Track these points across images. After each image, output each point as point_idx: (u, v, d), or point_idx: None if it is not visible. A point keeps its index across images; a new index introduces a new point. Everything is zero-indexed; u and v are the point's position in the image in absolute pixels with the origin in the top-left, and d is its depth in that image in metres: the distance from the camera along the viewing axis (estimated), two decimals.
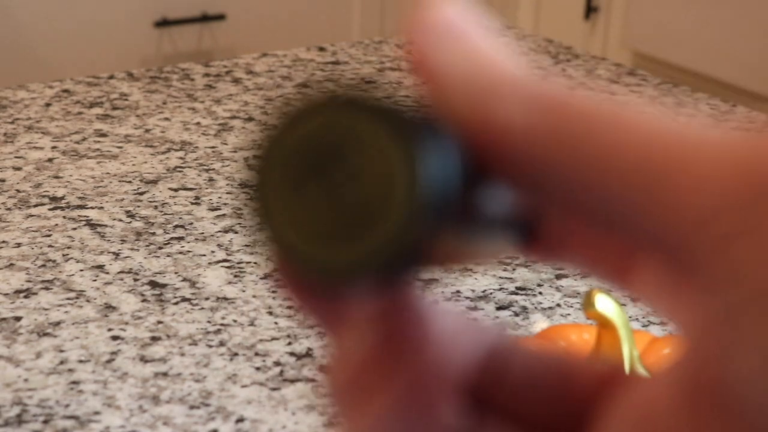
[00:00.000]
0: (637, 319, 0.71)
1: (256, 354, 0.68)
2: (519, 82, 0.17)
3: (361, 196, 0.17)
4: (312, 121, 0.18)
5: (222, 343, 0.68)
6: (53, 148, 0.97)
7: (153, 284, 0.75)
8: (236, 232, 0.82)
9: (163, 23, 2.07)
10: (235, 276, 0.76)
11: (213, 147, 0.99)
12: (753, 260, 0.13)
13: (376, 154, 0.17)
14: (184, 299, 0.73)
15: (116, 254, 0.79)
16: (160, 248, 0.80)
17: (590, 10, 2.01)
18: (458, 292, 0.74)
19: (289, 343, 0.69)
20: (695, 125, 0.16)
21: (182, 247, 0.80)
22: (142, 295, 0.74)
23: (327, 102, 0.18)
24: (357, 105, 0.17)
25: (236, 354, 0.67)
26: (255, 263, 0.78)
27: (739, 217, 0.14)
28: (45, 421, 0.61)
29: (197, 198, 0.87)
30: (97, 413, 0.61)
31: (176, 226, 0.83)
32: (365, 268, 0.17)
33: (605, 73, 1.22)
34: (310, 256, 0.17)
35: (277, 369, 0.66)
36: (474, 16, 0.18)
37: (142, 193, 0.89)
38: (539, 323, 0.71)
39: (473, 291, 0.74)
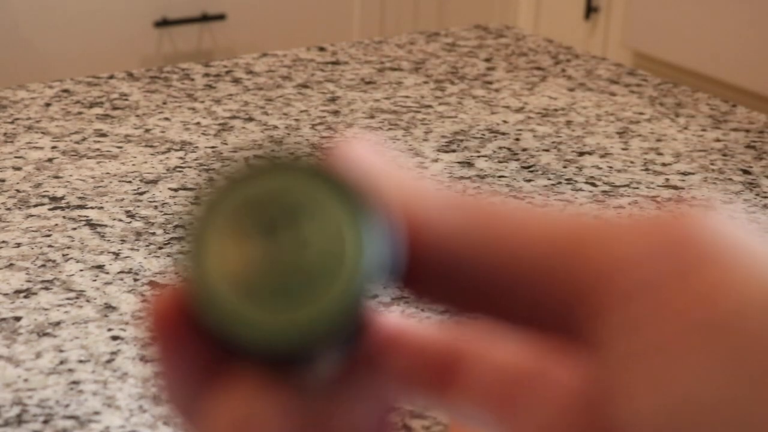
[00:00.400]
0: None
1: None
2: (436, 189, 0.18)
3: (306, 261, 0.17)
4: (266, 180, 0.17)
5: None
6: (53, 148, 0.97)
7: (153, 284, 0.75)
8: None
9: (163, 23, 2.07)
10: None
11: (213, 147, 0.99)
12: (649, 314, 0.15)
13: (327, 222, 0.17)
14: None
15: (116, 254, 0.79)
16: (160, 248, 0.80)
17: (590, 10, 2.01)
18: None
19: None
20: (594, 214, 0.17)
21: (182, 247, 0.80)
22: (143, 295, 0.74)
23: (286, 164, 0.17)
24: (315, 172, 0.17)
25: None
26: None
27: (639, 274, 0.15)
28: (45, 421, 0.61)
29: None
30: (97, 413, 0.61)
31: (176, 226, 0.83)
32: (300, 336, 0.16)
33: (605, 73, 1.22)
34: (239, 312, 0.17)
35: None
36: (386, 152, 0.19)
37: (142, 193, 0.89)
38: None
39: None
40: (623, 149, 1.00)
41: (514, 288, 0.17)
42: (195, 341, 0.18)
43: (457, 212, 0.18)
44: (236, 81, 1.16)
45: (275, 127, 1.03)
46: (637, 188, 0.91)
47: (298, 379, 0.17)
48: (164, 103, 1.09)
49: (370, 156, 0.19)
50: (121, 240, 0.81)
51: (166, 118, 1.05)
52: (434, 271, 0.18)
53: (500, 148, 0.99)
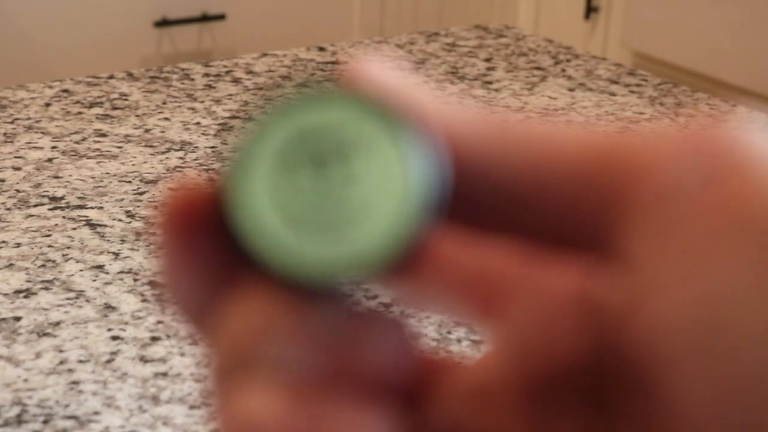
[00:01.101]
0: None
1: None
2: (470, 114, 0.18)
3: (355, 196, 0.17)
4: (315, 112, 0.17)
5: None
6: (53, 148, 0.97)
7: (153, 284, 0.75)
8: None
9: (163, 23, 2.07)
10: None
11: (213, 147, 0.99)
12: (680, 215, 0.15)
13: (378, 157, 0.17)
14: None
15: (116, 254, 0.79)
16: (160, 248, 0.80)
17: (590, 10, 2.01)
18: None
19: None
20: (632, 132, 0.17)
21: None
22: (142, 295, 0.74)
23: (336, 95, 0.17)
24: (363, 103, 0.17)
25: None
26: None
27: (671, 177, 0.16)
28: (45, 421, 0.61)
29: None
30: (96, 413, 0.61)
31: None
32: (350, 267, 0.16)
33: (605, 73, 1.22)
34: (289, 243, 0.16)
35: None
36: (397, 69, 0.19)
37: (142, 193, 0.89)
38: None
39: None
40: None
41: (542, 202, 0.17)
42: (215, 242, 0.18)
43: (495, 136, 0.17)
44: (236, 81, 1.16)
45: None
46: None
47: (326, 306, 0.17)
48: (164, 103, 1.09)
49: (397, 81, 0.18)
50: (121, 240, 0.81)
51: (166, 118, 1.05)
52: (472, 198, 0.18)
53: None
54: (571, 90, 1.17)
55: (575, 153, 0.17)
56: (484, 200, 0.17)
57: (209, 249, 0.18)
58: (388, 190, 0.16)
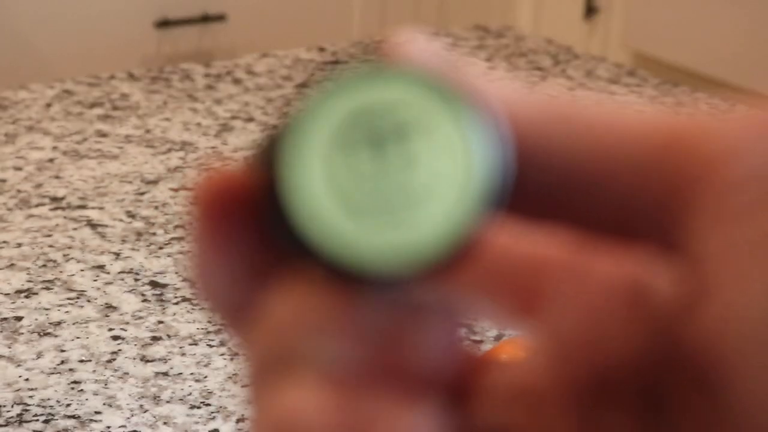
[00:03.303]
0: None
1: None
2: (530, 95, 0.17)
3: (417, 176, 0.16)
4: (372, 90, 0.16)
5: (223, 343, 0.69)
6: (54, 148, 0.98)
7: (153, 284, 0.75)
8: None
9: (164, 23, 2.07)
10: None
11: (213, 147, 0.99)
12: (755, 204, 0.14)
13: (439, 133, 0.16)
14: (185, 299, 0.73)
15: (117, 254, 0.79)
16: (161, 248, 0.80)
17: (590, 10, 2.01)
18: None
19: None
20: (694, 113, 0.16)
21: (183, 247, 0.80)
22: (143, 295, 0.74)
23: (394, 73, 0.16)
24: (423, 80, 0.16)
25: (237, 354, 0.68)
26: None
27: (744, 163, 0.15)
28: (46, 421, 0.61)
29: None
30: (98, 413, 0.61)
31: (177, 226, 0.83)
32: (409, 256, 0.15)
33: (605, 73, 1.22)
34: (346, 230, 0.15)
35: None
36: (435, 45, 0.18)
37: (142, 193, 0.89)
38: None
39: None
40: None
41: (605, 189, 0.16)
42: (254, 231, 0.17)
43: (557, 118, 0.16)
44: (237, 81, 1.16)
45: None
46: None
47: (375, 298, 0.16)
48: (165, 104, 1.09)
49: (451, 59, 0.18)
50: (122, 240, 0.81)
51: (167, 119, 1.05)
52: (531, 183, 0.16)
53: None
54: (571, 90, 1.17)
55: (641, 137, 0.16)
56: (543, 185, 0.16)
57: (247, 238, 0.17)
58: (450, 173, 0.15)
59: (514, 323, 0.20)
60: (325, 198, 0.15)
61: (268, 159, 0.16)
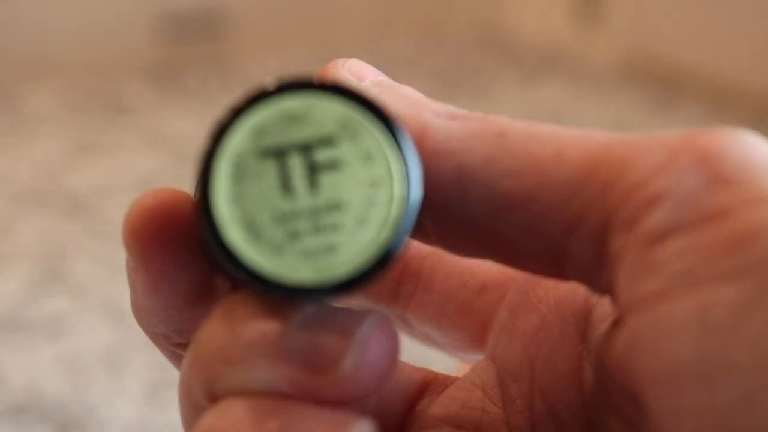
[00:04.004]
0: None
1: None
2: (447, 114, 0.17)
3: (346, 194, 0.16)
4: (297, 101, 0.16)
5: None
6: (58, 147, 0.98)
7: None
8: None
9: (168, 22, 2.08)
10: None
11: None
12: (669, 225, 0.15)
13: (361, 155, 0.16)
14: None
15: (122, 252, 0.80)
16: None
17: (587, 9, 2.02)
18: None
19: None
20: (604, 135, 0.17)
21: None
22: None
23: (317, 85, 0.16)
24: (346, 96, 0.16)
25: None
26: None
27: (661, 183, 0.15)
28: (50, 416, 0.61)
29: None
30: (102, 408, 0.62)
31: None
32: (329, 283, 0.15)
33: (603, 72, 1.23)
34: (258, 258, 0.15)
35: None
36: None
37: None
38: None
39: None
40: None
41: (529, 209, 0.16)
42: (190, 255, 0.17)
43: (475, 140, 0.17)
44: (241, 80, 1.17)
45: None
46: None
47: (303, 314, 0.16)
48: (168, 103, 1.10)
49: (376, 79, 0.18)
50: None
51: (170, 118, 1.06)
52: (455, 206, 0.17)
53: None
54: (569, 90, 1.17)
55: (565, 158, 0.16)
56: (469, 209, 0.17)
57: (180, 263, 0.17)
58: (370, 193, 0.16)
59: (458, 349, 0.20)
60: (235, 225, 0.15)
61: (197, 182, 0.16)
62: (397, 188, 0.16)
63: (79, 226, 0.83)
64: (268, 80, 0.16)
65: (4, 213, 0.85)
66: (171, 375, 0.65)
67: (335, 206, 0.16)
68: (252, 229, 0.16)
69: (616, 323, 0.16)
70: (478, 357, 0.20)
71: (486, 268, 0.20)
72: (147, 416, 0.61)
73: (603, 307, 0.17)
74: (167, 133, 1.03)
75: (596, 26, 1.78)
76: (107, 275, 0.76)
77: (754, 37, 1.68)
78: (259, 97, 0.16)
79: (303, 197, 0.15)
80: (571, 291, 0.18)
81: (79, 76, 1.17)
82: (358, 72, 0.18)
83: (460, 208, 0.17)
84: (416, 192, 0.16)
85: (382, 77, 0.18)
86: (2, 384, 0.63)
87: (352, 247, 0.16)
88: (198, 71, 1.19)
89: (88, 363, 0.66)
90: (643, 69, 1.30)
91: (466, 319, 0.20)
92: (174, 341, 0.18)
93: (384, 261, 0.15)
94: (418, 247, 0.17)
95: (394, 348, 0.16)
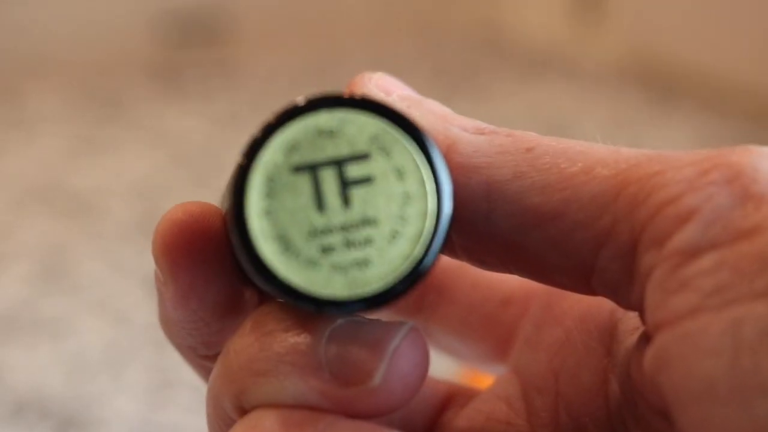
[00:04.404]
0: None
1: None
2: (475, 129, 0.17)
3: (378, 208, 0.16)
4: (327, 117, 0.16)
5: None
6: (58, 146, 0.98)
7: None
8: None
9: (169, 22, 2.08)
10: None
11: (217, 146, 1.00)
12: (699, 240, 0.15)
13: (396, 169, 0.16)
14: None
15: (122, 252, 0.80)
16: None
17: (586, 7, 2.02)
18: None
19: None
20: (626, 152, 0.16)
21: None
22: (150, 292, 0.74)
23: (347, 101, 0.16)
24: (378, 112, 0.16)
25: None
26: None
27: (689, 201, 0.15)
28: (49, 416, 0.61)
29: (203, 196, 0.88)
30: (101, 408, 0.62)
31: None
32: (360, 296, 0.15)
33: (602, 72, 1.23)
34: (291, 271, 0.15)
35: None
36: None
37: (146, 192, 0.90)
38: None
39: None
40: None
41: (558, 226, 0.16)
42: (220, 268, 0.17)
43: (503, 155, 0.17)
44: (241, 80, 1.17)
45: None
46: None
47: (334, 326, 0.16)
48: (171, 102, 1.10)
49: (404, 94, 0.18)
50: (128, 238, 0.82)
51: (170, 117, 1.06)
52: (482, 222, 0.17)
53: None
54: (567, 90, 1.17)
55: (594, 173, 0.16)
56: (497, 223, 0.16)
57: (212, 275, 0.17)
58: (405, 211, 0.16)
59: (481, 361, 0.20)
60: (270, 238, 0.15)
61: (228, 197, 0.16)
62: (430, 203, 0.16)
63: (80, 225, 0.83)
64: (300, 97, 0.16)
65: (5, 212, 0.85)
66: (171, 375, 0.65)
67: (368, 221, 0.16)
68: (284, 242, 0.15)
69: (645, 338, 0.16)
70: (500, 369, 0.20)
71: (509, 281, 0.20)
72: (147, 415, 0.61)
73: (629, 321, 0.18)
74: (168, 132, 1.03)
75: (596, 26, 1.78)
76: (108, 275, 0.76)
77: (754, 37, 1.68)
78: (291, 113, 0.16)
79: (336, 212, 0.16)
80: (596, 305, 0.18)
81: (80, 75, 1.17)
82: (384, 86, 0.18)
83: (487, 222, 0.16)
84: (448, 207, 0.16)
85: (408, 91, 0.18)
86: (3, 383, 0.63)
87: (384, 261, 0.16)
88: (199, 71, 1.19)
89: (88, 362, 0.66)
90: (643, 68, 1.30)
91: (490, 332, 0.20)
92: (201, 353, 0.18)
93: (416, 276, 0.15)
94: (441, 260, 0.17)
95: (424, 360, 0.16)
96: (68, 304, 0.72)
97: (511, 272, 0.17)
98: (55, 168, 0.94)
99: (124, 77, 1.17)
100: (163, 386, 0.64)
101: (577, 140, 0.17)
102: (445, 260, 0.18)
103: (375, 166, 0.16)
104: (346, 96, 0.16)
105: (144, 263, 0.78)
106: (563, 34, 1.52)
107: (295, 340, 0.16)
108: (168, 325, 0.18)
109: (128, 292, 0.74)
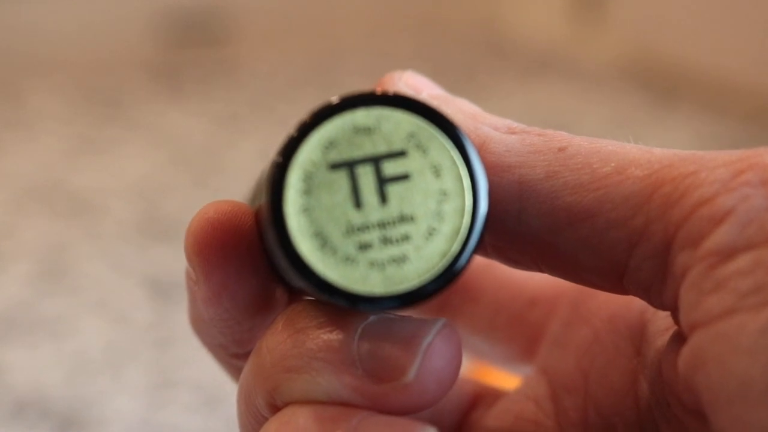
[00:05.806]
0: None
1: None
2: (508, 128, 0.17)
3: (415, 205, 0.16)
4: (364, 114, 0.16)
5: None
6: (58, 146, 0.98)
7: (159, 282, 0.76)
8: None
9: (169, 22, 2.08)
10: None
11: (217, 145, 1.00)
12: (734, 240, 0.15)
13: (432, 167, 0.16)
14: None
15: (122, 252, 0.80)
16: (167, 246, 0.81)
17: (587, 7, 2.02)
18: None
19: None
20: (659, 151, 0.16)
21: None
22: (150, 292, 0.74)
23: (383, 98, 0.16)
24: (413, 110, 0.16)
25: None
26: None
27: (724, 202, 0.15)
28: (50, 415, 0.61)
29: (203, 196, 0.88)
30: (102, 408, 0.62)
31: (182, 225, 0.84)
32: (397, 292, 0.16)
33: (603, 72, 1.23)
34: (330, 269, 0.15)
35: None
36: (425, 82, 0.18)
37: (147, 192, 0.90)
38: None
39: None
40: None
41: (591, 225, 0.16)
42: (252, 266, 0.17)
43: (535, 155, 0.17)
44: (241, 79, 1.17)
45: (280, 125, 1.04)
46: None
47: (368, 324, 0.16)
48: (168, 102, 1.10)
49: (433, 94, 0.18)
50: (128, 238, 0.82)
51: (170, 117, 1.06)
52: (514, 222, 0.17)
53: None
54: (567, 89, 1.17)
55: (627, 173, 0.16)
56: (528, 223, 0.17)
57: (245, 274, 0.17)
58: (442, 208, 0.16)
59: (507, 361, 0.20)
60: (308, 236, 0.16)
61: (263, 195, 0.16)
62: (467, 200, 0.16)
63: (80, 225, 0.83)
64: (334, 96, 0.16)
65: (5, 212, 0.85)
66: (171, 375, 0.65)
67: (405, 218, 0.16)
68: (322, 239, 0.16)
69: (679, 338, 0.16)
70: (526, 370, 0.20)
71: (536, 281, 0.20)
72: (147, 415, 0.61)
73: (659, 321, 0.18)
74: (168, 132, 1.03)
75: (596, 26, 1.78)
76: (108, 275, 0.76)
77: (754, 38, 1.68)
78: (328, 111, 0.16)
79: (373, 209, 0.16)
80: (625, 305, 0.18)
81: (80, 75, 1.17)
82: (414, 84, 0.18)
83: (519, 221, 0.17)
84: (484, 204, 0.16)
85: (438, 90, 0.18)
86: (3, 383, 0.63)
87: (420, 258, 0.16)
88: (199, 71, 1.19)
89: (89, 362, 0.66)
90: (643, 68, 1.30)
91: (517, 332, 0.20)
92: (232, 351, 0.18)
93: (452, 273, 0.16)
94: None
95: (457, 356, 0.16)
96: (68, 304, 0.72)
97: (542, 271, 0.17)
98: (55, 168, 0.94)
99: (124, 77, 1.17)
100: (163, 386, 0.64)
101: (608, 140, 0.17)
102: None
103: (412, 163, 0.16)
104: (382, 93, 0.16)
105: (144, 263, 0.78)
106: (563, 34, 1.52)
107: (328, 336, 0.16)
108: (199, 324, 0.18)
109: (128, 292, 0.74)
